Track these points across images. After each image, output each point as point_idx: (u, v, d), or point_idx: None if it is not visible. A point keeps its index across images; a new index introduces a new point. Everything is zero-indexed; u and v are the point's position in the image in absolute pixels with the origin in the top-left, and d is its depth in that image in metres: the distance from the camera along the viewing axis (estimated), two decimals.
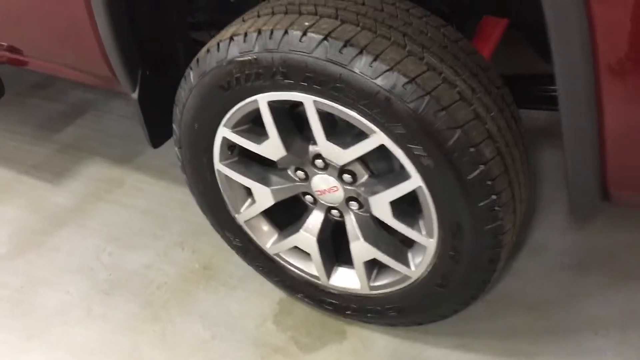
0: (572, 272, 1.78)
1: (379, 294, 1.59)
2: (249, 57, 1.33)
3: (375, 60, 1.21)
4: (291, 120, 1.47)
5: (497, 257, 1.36)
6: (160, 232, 2.10)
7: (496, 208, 1.27)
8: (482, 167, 1.23)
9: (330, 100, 1.30)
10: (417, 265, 1.47)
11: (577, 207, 1.20)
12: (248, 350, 1.70)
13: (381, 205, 1.41)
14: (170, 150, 1.90)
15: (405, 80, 1.20)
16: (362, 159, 1.41)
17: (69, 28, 1.62)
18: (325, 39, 1.24)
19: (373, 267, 1.58)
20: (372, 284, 1.59)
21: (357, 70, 1.22)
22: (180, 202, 2.20)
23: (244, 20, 1.38)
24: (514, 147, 1.31)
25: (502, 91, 1.34)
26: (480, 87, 1.27)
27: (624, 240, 1.82)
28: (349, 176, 1.45)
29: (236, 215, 1.68)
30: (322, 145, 1.40)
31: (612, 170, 1.11)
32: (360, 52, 1.22)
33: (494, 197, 1.26)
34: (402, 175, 1.35)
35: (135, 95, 1.65)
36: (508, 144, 1.28)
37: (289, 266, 1.71)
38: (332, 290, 1.67)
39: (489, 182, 1.25)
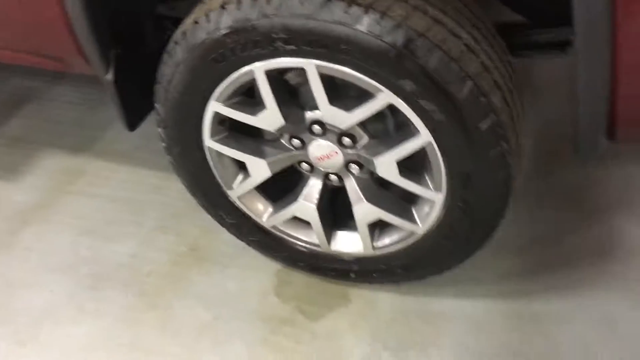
0: (552, 211, 1.86)
1: (383, 253, 1.61)
2: (245, 25, 1.28)
3: (382, 17, 1.19)
4: (286, 89, 1.44)
5: (506, 203, 1.39)
6: (137, 218, 2.01)
7: (506, 155, 1.30)
8: (493, 115, 1.25)
9: (334, 64, 1.27)
10: (424, 220, 1.49)
11: (586, 146, 1.25)
12: (255, 325, 1.68)
13: (387, 165, 1.41)
14: (132, 133, 1.81)
15: (414, 35, 1.19)
16: (361, 121, 1.40)
17: (32, 8, 1.50)
18: None
19: (374, 227, 1.59)
20: (375, 244, 1.60)
21: (364, 30, 1.20)
22: (151, 185, 2.12)
23: None
24: (516, 95, 1.34)
25: (499, 40, 1.36)
26: (482, 37, 1.28)
27: (594, 177, 1.93)
28: (349, 140, 1.44)
29: (229, 192, 1.64)
30: (325, 110, 1.37)
31: (622, 107, 1.16)
32: (366, 11, 1.20)
33: (504, 144, 1.29)
34: (408, 133, 1.35)
35: (109, 77, 1.55)
36: (512, 92, 1.31)
37: (286, 237, 1.69)
38: (333, 256, 1.67)
39: (500, 130, 1.27)
